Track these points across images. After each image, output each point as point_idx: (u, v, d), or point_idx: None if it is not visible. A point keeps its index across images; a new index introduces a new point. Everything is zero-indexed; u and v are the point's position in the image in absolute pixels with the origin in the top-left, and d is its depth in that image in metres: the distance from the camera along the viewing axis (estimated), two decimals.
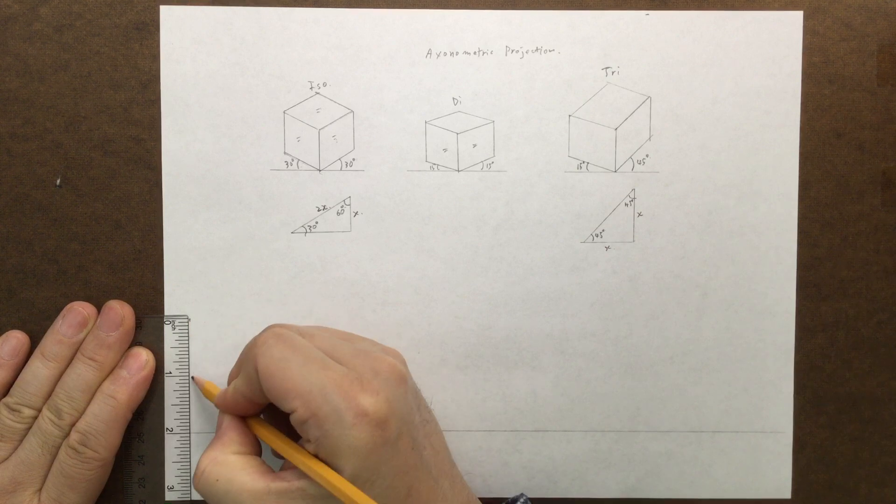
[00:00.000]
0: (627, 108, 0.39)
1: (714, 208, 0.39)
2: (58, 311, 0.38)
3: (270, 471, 0.34)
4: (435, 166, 0.39)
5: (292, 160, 0.38)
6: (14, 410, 0.36)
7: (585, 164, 0.39)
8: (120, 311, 0.37)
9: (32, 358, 0.37)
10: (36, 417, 0.37)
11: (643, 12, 0.38)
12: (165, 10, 0.38)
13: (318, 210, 0.39)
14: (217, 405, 0.36)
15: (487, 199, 0.39)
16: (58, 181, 0.38)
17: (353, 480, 0.31)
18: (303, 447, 0.33)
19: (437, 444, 0.35)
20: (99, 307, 0.38)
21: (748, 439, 0.39)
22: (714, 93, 0.39)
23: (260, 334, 0.34)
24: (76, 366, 0.37)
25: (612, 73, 0.38)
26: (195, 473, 0.34)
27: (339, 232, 0.39)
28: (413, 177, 0.39)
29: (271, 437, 0.34)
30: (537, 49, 0.38)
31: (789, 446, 0.40)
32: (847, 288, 0.39)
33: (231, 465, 0.33)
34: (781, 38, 0.39)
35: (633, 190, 0.39)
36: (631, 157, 0.39)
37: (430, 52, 0.38)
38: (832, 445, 0.40)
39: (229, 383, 0.36)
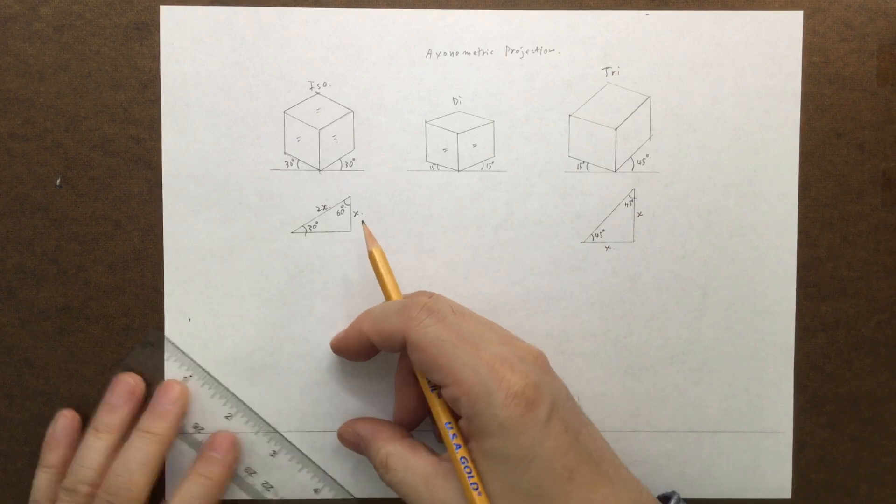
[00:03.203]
0: (627, 108, 0.39)
1: (714, 208, 0.39)
2: (58, 310, 0.38)
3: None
4: (435, 166, 0.39)
5: (292, 160, 0.38)
6: (70, 491, 0.36)
7: (585, 164, 0.39)
8: (178, 388, 0.38)
9: (86, 434, 0.37)
10: (92, 495, 0.36)
11: (643, 12, 0.38)
12: (165, 10, 0.38)
13: (318, 210, 0.39)
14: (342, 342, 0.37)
15: (487, 199, 0.39)
16: (58, 181, 0.38)
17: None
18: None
19: (593, 431, 0.34)
20: (99, 308, 0.38)
21: (748, 439, 0.39)
22: (714, 93, 0.39)
23: (411, 303, 0.34)
24: (134, 440, 0.37)
25: (612, 73, 0.38)
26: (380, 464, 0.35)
27: (339, 232, 0.39)
28: (413, 177, 0.39)
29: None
30: (537, 49, 0.38)
31: (789, 446, 0.40)
32: (847, 288, 0.39)
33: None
34: (781, 38, 0.39)
35: (633, 190, 0.39)
36: (631, 157, 0.39)
37: (430, 52, 0.38)
38: (832, 445, 0.40)
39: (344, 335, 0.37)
